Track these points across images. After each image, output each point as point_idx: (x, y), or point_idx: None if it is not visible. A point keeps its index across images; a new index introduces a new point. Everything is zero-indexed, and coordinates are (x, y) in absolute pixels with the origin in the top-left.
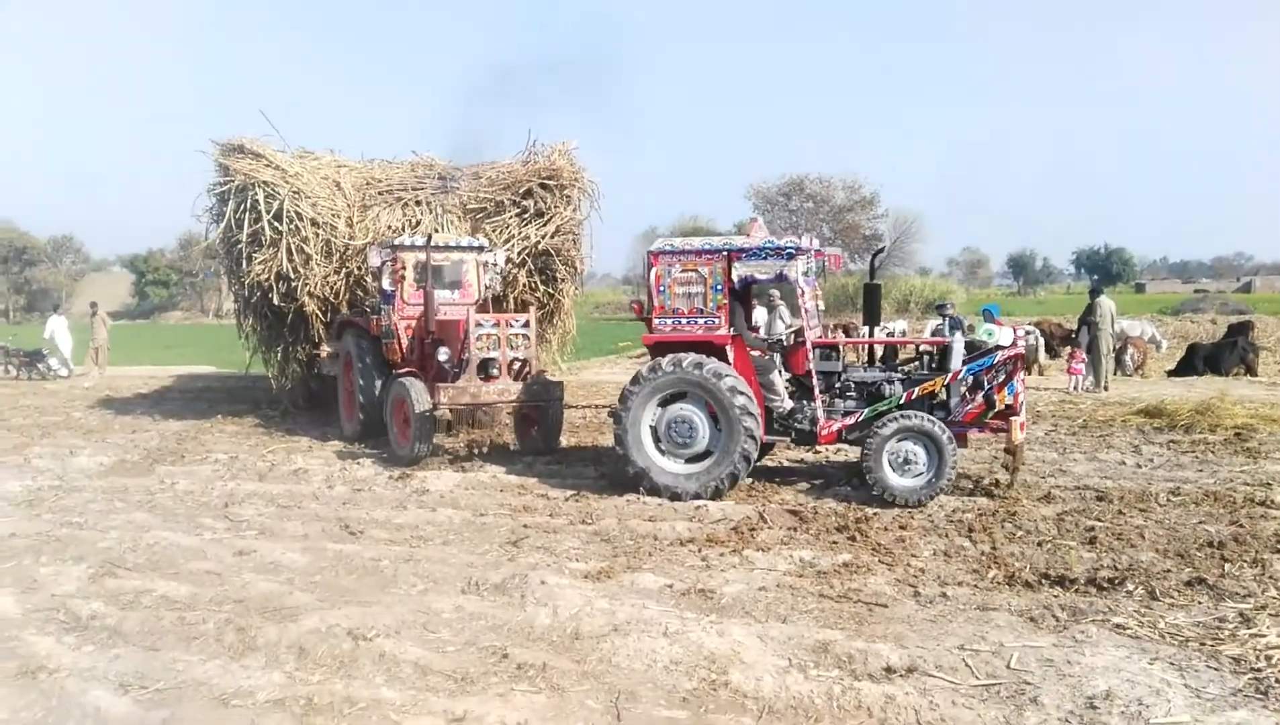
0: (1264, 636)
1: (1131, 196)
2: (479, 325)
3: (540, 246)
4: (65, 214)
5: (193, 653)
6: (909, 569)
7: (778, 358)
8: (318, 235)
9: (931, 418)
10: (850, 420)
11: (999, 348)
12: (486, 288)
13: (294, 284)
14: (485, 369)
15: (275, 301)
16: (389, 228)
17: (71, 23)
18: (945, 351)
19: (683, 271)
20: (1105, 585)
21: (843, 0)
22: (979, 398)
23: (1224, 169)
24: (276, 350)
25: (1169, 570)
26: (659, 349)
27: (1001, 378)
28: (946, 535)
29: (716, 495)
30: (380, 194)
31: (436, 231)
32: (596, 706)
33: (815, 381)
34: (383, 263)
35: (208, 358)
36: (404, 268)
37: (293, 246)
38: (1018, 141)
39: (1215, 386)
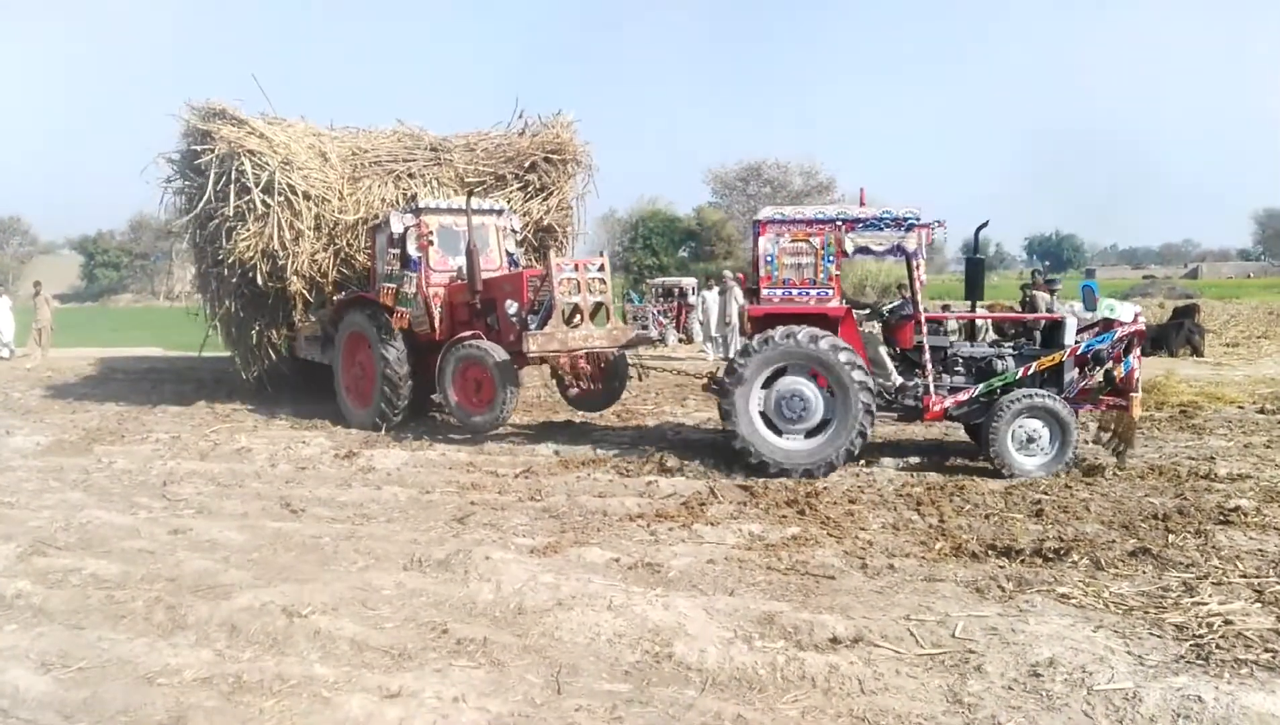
0: (1206, 604)
1: (1083, 184)
2: (560, 270)
3: (545, 222)
4: (13, 195)
5: (119, 631)
6: (857, 541)
7: (878, 330)
8: (310, 209)
9: (1055, 395)
10: (963, 396)
11: (1119, 323)
12: (509, 254)
13: (281, 262)
14: (566, 314)
15: (259, 281)
16: (383, 201)
17: None
18: (1055, 327)
19: (792, 241)
20: (1051, 556)
21: None
22: (1095, 374)
23: (1174, 158)
24: (251, 333)
25: (1114, 541)
26: (765, 321)
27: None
28: (895, 509)
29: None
30: (368, 165)
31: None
32: (537, 680)
33: (928, 356)
34: (406, 229)
35: (156, 340)
36: (431, 233)
37: (283, 221)
38: (974, 129)
39: (1163, 366)
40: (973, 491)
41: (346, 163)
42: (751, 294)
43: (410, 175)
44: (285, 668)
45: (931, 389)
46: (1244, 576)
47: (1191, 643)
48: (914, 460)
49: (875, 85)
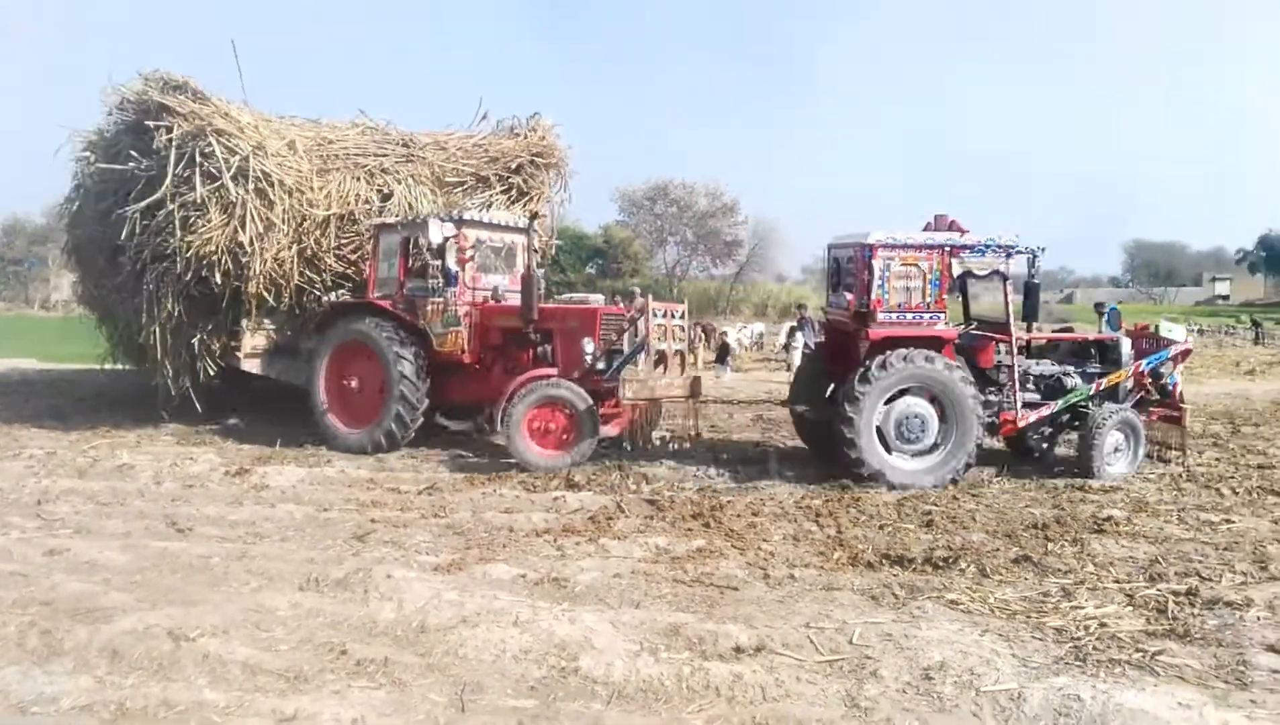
0: (1083, 608)
1: (977, 208)
2: (655, 314)
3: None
4: None
5: None
6: (760, 553)
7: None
8: (283, 201)
9: (1129, 409)
10: (1043, 412)
11: (1173, 342)
12: (533, 272)
13: (245, 259)
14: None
15: (217, 280)
16: (356, 197)
17: None
18: (1108, 346)
19: (902, 266)
20: (940, 564)
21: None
22: (1143, 388)
23: (1053, 192)
24: (192, 341)
25: (998, 549)
26: (883, 344)
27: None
28: (796, 520)
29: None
30: (336, 158)
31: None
32: (440, 699)
33: (1015, 375)
34: (446, 239)
35: (30, 351)
36: (472, 247)
37: (255, 213)
38: (865, 151)
39: None
40: (868, 503)
41: (313, 154)
42: (860, 317)
43: (383, 171)
44: (172, 694)
45: (1017, 406)
46: (1117, 582)
47: (1070, 645)
48: (810, 472)
49: (779, 107)
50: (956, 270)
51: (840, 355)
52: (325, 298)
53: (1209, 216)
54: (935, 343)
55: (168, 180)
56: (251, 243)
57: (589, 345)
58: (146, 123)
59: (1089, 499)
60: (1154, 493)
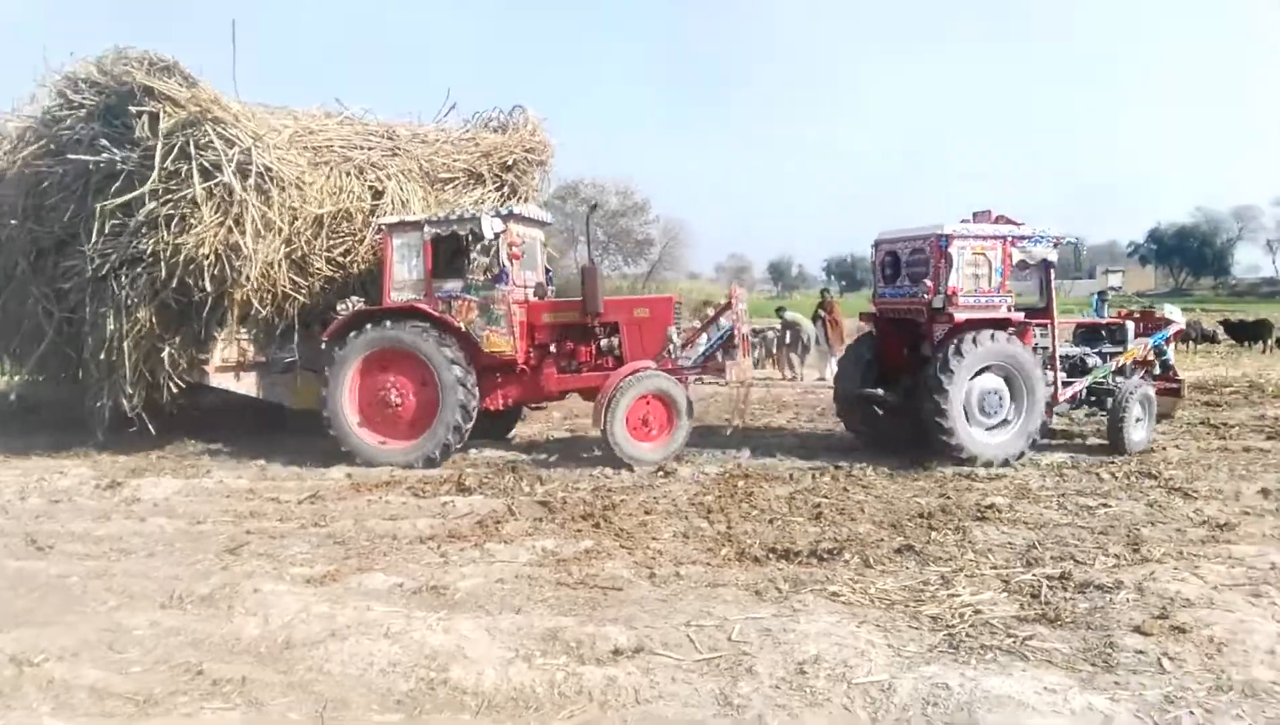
0: (959, 596)
1: (870, 211)
2: (740, 300)
3: None
4: None
5: None
6: (648, 552)
7: None
8: (285, 199)
9: (1146, 383)
10: (1074, 389)
11: (1172, 322)
12: (547, 270)
13: (238, 263)
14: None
15: (206, 285)
16: (350, 194)
17: None
18: (1115, 329)
19: (973, 255)
20: (825, 556)
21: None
22: (1148, 365)
23: (947, 191)
24: (160, 354)
25: (883, 540)
26: (965, 326)
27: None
28: (687, 518)
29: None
30: (322, 150)
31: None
32: (299, 718)
33: (1056, 356)
34: (497, 235)
35: None
36: (521, 244)
37: (255, 212)
38: (774, 153)
39: None
40: (760, 498)
41: (298, 146)
42: (938, 302)
43: (372, 165)
44: (10, 722)
45: (1058, 384)
46: (994, 568)
47: (945, 633)
48: (710, 471)
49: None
50: (1016, 258)
51: (893, 343)
52: (345, 303)
53: (1102, 212)
54: (1005, 324)
55: (155, 173)
56: (248, 245)
57: (674, 334)
58: (130, 107)
59: (974, 487)
60: (1037, 479)
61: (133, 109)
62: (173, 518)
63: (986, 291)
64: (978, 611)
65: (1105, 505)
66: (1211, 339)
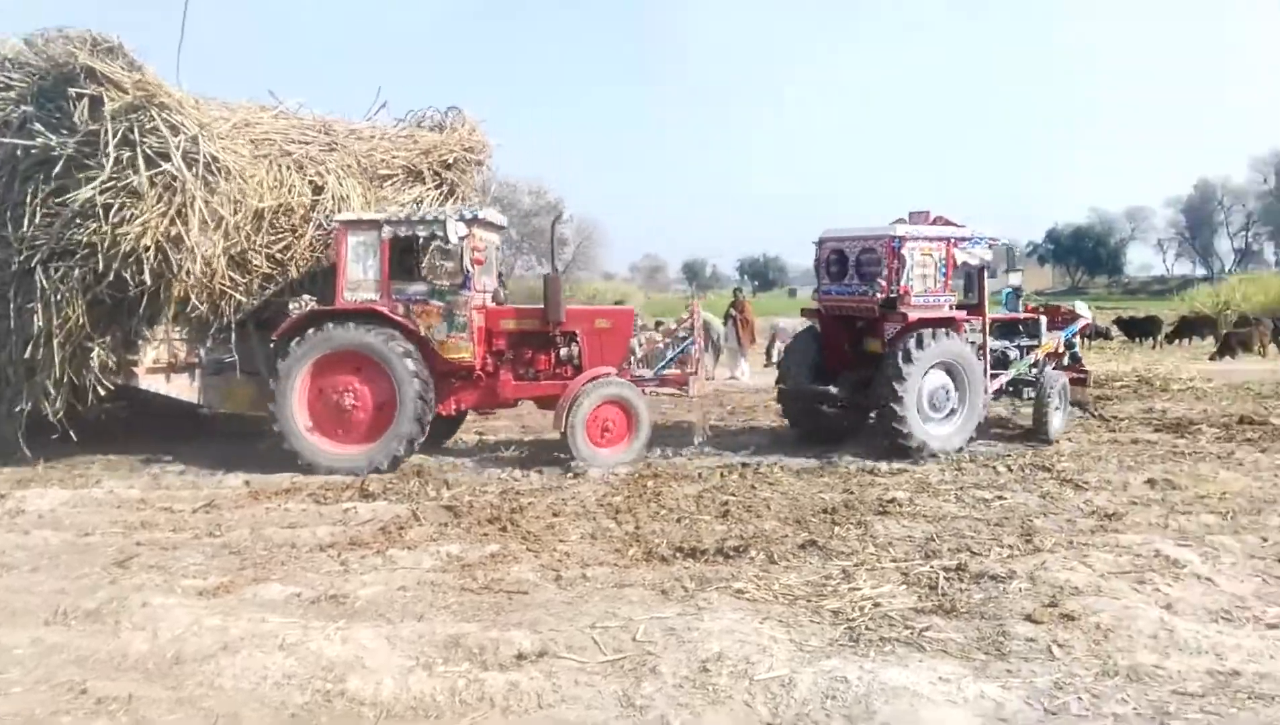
0: (860, 589)
1: (783, 212)
2: (699, 314)
3: None
4: None
5: None
6: (555, 554)
7: None
8: (230, 189)
9: (1061, 373)
10: (1002, 381)
11: (1080, 317)
12: (500, 276)
13: (178, 257)
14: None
15: (146, 279)
16: (291, 189)
17: None
18: (1030, 323)
19: (921, 255)
20: (731, 554)
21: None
22: (1059, 356)
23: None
24: (90, 354)
25: (787, 536)
26: (915, 325)
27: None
28: (595, 518)
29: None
30: (262, 143)
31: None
32: None
33: (987, 351)
34: (461, 239)
35: None
36: (484, 247)
37: (199, 203)
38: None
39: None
40: (669, 497)
41: (241, 137)
42: (889, 302)
43: (310, 160)
44: None
45: (987, 377)
46: (894, 561)
47: (845, 626)
48: (620, 471)
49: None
50: (960, 259)
51: (835, 340)
52: (297, 302)
53: (999, 215)
54: (950, 323)
55: (109, 161)
56: (191, 237)
57: (635, 345)
58: (70, 90)
59: (877, 482)
60: (936, 473)
61: (72, 91)
62: (59, 530)
63: (934, 291)
64: (877, 604)
65: (1001, 497)
66: (1105, 336)
